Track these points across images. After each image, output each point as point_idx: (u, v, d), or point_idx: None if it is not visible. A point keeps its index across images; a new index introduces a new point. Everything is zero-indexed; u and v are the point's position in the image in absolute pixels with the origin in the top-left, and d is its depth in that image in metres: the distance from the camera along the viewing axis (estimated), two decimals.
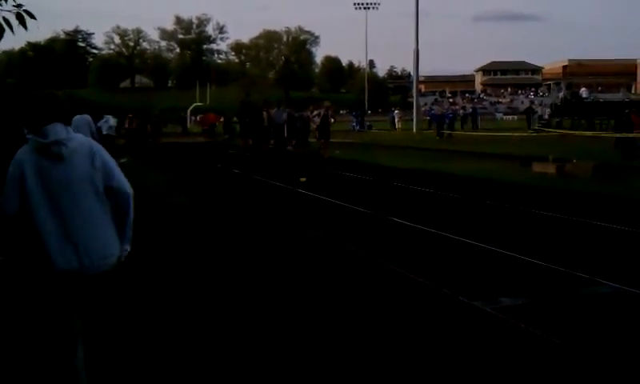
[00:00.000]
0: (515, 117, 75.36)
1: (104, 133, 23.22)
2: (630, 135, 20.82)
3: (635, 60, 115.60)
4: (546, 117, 44.96)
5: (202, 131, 43.30)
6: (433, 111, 49.90)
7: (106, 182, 3.45)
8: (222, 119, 43.32)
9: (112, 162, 3.52)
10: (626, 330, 4.94)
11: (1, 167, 5.06)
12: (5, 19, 4.18)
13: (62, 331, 3.39)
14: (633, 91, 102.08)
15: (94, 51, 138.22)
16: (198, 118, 48.54)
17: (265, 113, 28.14)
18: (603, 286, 6.05)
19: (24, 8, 4.24)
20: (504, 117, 75.87)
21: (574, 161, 16.73)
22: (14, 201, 3.32)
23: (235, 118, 33.50)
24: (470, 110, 53.55)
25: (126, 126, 27.81)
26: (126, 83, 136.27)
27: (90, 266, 3.35)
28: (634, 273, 6.45)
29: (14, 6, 4.23)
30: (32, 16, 4.24)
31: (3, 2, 4.38)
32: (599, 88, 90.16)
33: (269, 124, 28.23)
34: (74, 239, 3.33)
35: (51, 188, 3.35)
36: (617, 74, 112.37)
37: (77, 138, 3.47)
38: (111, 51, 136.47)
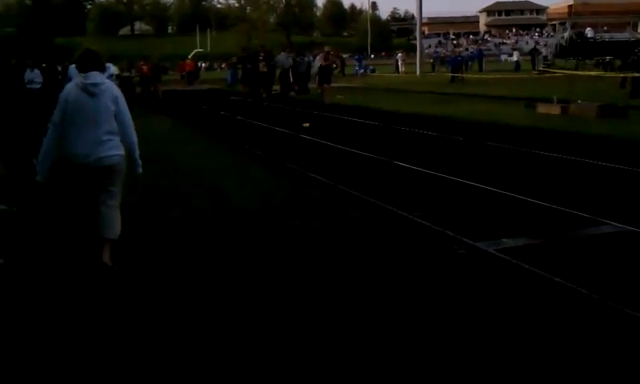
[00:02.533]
0: (520, 58, 74.46)
1: None
2: (638, 74, 20.59)
3: None
4: (550, 57, 44.40)
5: (180, 77, 47.48)
6: (449, 55, 48.66)
7: (119, 121, 5.21)
8: (200, 66, 49.89)
9: (126, 112, 5.29)
10: (628, 269, 4.98)
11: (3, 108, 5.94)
12: None
13: (80, 191, 5.37)
14: (639, 30, 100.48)
15: None
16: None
17: (262, 58, 27.79)
18: (605, 225, 6.08)
19: None
20: (508, 58, 74.92)
21: (579, 101, 16.62)
22: (60, 115, 5.14)
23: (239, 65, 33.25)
24: (476, 52, 52.98)
25: (139, 72, 27.20)
26: (125, 31, 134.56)
27: (96, 162, 5.10)
28: (636, 212, 6.47)
29: None
30: None
31: None
32: (605, 27, 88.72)
33: (270, 69, 27.93)
34: (87, 144, 5.08)
35: (83, 113, 5.11)
36: (623, 13, 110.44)
37: (107, 82, 5.33)
38: None
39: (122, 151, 5.25)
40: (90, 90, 5.11)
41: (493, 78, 33.68)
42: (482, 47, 70.63)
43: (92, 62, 5.24)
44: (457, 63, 38.42)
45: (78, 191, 5.38)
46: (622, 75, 23.91)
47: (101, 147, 5.09)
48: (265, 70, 27.46)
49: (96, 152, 5.08)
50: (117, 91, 5.28)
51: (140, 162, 5.44)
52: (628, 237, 5.76)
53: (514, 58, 50.31)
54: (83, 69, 5.21)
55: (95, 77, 5.19)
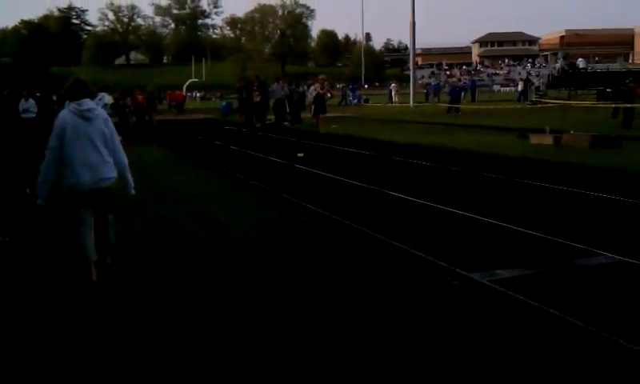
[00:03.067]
0: (513, 88, 75.10)
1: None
2: (630, 105, 20.78)
3: (632, 29, 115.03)
4: (542, 88, 44.80)
5: (168, 107, 48.57)
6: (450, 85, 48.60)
7: (111, 143, 5.67)
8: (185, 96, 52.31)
9: (115, 134, 5.74)
10: (623, 300, 4.97)
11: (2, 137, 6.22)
12: None
13: (78, 214, 5.66)
14: (630, 61, 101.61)
15: (88, 28, 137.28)
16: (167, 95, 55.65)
17: (256, 88, 27.97)
18: (599, 256, 6.08)
19: None
20: (501, 88, 75.61)
21: (571, 132, 16.72)
22: (57, 141, 5.47)
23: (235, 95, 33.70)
24: (470, 83, 53.36)
25: (135, 101, 27.21)
26: (121, 60, 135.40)
27: (97, 184, 5.55)
28: (629, 242, 6.48)
29: None
30: None
31: None
32: (596, 58, 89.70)
33: (263, 99, 28.08)
34: (89, 168, 5.50)
35: (80, 137, 5.50)
36: (614, 44, 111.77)
37: (98, 109, 5.78)
38: (105, 28, 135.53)
39: (116, 173, 5.74)
40: (85, 116, 5.55)
41: (486, 108, 33.90)
42: (475, 78, 71.29)
43: (83, 90, 5.65)
44: (456, 93, 37.85)
45: (75, 213, 5.70)
46: (613, 105, 24.11)
47: (102, 169, 5.57)
48: (258, 99, 27.60)
49: (98, 174, 5.54)
50: (105, 115, 5.78)
51: (132, 183, 5.92)
52: (622, 267, 5.75)
53: (520, 87, 49.06)
54: (76, 96, 5.60)
55: (88, 103, 5.63)
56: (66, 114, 5.58)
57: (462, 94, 42.58)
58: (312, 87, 26.05)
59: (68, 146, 5.45)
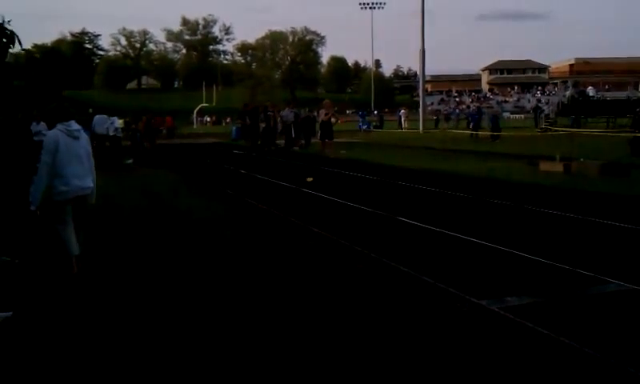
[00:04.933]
0: (522, 116, 75.17)
1: (110, 134, 23.30)
2: None
3: None
4: (552, 115, 44.78)
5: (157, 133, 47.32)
6: (470, 110, 47.85)
7: (89, 159, 6.79)
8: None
9: (91, 153, 6.89)
10: (634, 329, 4.92)
11: (13, 158, 6.64)
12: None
13: (63, 217, 6.61)
14: None
15: (101, 53, 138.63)
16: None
17: (262, 114, 28.30)
18: (609, 284, 6.03)
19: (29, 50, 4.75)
20: (511, 116, 75.70)
21: (581, 160, 16.68)
22: (51, 157, 6.41)
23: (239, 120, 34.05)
24: (476, 110, 53.36)
25: (138, 126, 27.54)
26: (132, 85, 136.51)
27: (83, 191, 6.65)
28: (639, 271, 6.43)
29: (22, 50, 4.86)
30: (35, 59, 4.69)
31: None
32: (606, 86, 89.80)
33: (271, 125, 28.34)
34: (77, 178, 6.57)
35: (72, 153, 6.55)
36: (624, 72, 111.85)
37: (81, 129, 6.83)
38: (117, 53, 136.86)
39: (93, 184, 6.85)
40: (74, 135, 6.65)
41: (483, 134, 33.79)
42: (485, 105, 71.38)
43: (68, 113, 6.76)
44: (476, 120, 36.63)
45: (60, 217, 6.61)
46: (624, 134, 24.04)
47: (86, 180, 6.70)
48: (263, 125, 27.93)
49: (82, 183, 6.64)
50: (87, 136, 6.99)
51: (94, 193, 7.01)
52: (633, 296, 5.70)
53: (546, 110, 47.24)
54: (64, 118, 6.66)
55: (74, 124, 6.73)
56: (57, 134, 6.56)
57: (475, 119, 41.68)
58: (322, 113, 26.21)
59: (61, 160, 6.45)
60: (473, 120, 36.67)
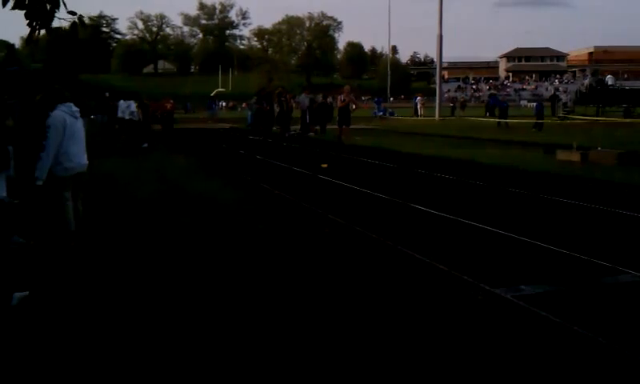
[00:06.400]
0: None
1: (126, 117, 23.38)
2: None
3: None
4: (570, 104, 44.32)
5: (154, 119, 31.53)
6: (496, 96, 47.10)
7: (84, 138, 7.41)
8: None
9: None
10: None
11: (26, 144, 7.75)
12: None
13: (64, 193, 7.17)
14: None
15: (118, 36, 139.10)
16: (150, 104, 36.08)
17: (276, 100, 28.31)
18: (625, 274, 5.99)
19: (79, 15, 5.08)
20: (528, 104, 75.05)
21: (599, 149, 16.53)
22: (59, 136, 6.96)
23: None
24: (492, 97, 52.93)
25: (162, 109, 27.41)
26: (149, 69, 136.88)
27: (82, 167, 7.34)
28: None
29: (68, 12, 4.66)
30: (84, 25, 4.66)
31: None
32: (625, 75, 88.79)
33: (282, 109, 28.34)
34: (78, 155, 7.24)
35: (75, 132, 7.17)
36: None
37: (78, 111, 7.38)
38: (134, 37, 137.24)
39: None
40: (75, 116, 7.25)
41: (512, 122, 33.59)
42: (502, 92, 70.79)
43: (65, 97, 7.26)
44: (503, 108, 35.69)
45: (61, 193, 7.16)
46: None
47: (84, 156, 7.38)
48: (277, 110, 27.94)
49: (82, 160, 7.33)
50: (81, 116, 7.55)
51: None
52: None
53: (564, 98, 46.25)
54: (64, 100, 7.20)
55: (73, 106, 7.28)
56: (63, 114, 7.08)
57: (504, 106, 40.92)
58: (339, 97, 26.20)
59: (67, 138, 7.03)
60: (500, 108, 35.87)
